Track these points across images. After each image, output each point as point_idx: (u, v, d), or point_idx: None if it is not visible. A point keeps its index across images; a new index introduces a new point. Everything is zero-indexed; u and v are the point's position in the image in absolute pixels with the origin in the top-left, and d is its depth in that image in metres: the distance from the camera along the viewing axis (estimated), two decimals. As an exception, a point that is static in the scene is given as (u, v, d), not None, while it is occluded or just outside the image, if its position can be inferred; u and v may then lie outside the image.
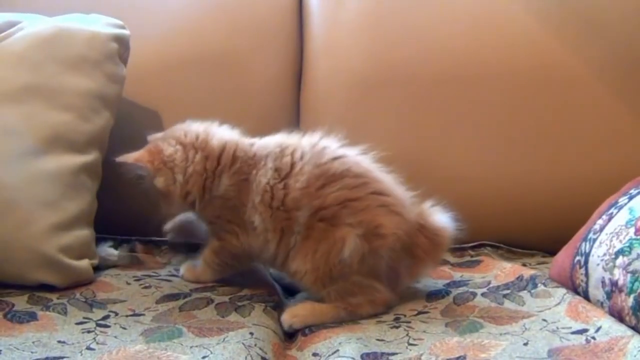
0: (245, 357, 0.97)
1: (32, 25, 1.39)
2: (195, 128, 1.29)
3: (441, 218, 1.25)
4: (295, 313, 1.17)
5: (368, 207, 1.17)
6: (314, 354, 1.03)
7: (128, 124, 1.54)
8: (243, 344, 1.01)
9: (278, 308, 1.22)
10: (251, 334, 1.06)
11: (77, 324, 1.12)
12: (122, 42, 1.46)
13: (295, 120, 1.65)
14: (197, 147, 1.26)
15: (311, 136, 1.25)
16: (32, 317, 1.13)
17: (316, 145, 1.22)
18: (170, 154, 1.25)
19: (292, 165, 1.20)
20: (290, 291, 1.34)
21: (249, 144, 1.27)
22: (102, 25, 1.45)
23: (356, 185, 1.18)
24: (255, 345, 1.02)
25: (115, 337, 1.07)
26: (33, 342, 1.03)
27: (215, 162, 1.25)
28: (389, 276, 1.19)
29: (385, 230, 1.16)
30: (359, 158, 1.23)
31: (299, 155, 1.21)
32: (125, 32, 1.48)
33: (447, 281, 1.33)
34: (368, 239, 1.15)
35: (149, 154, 1.27)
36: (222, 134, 1.29)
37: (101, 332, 1.09)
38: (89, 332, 1.09)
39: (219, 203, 1.25)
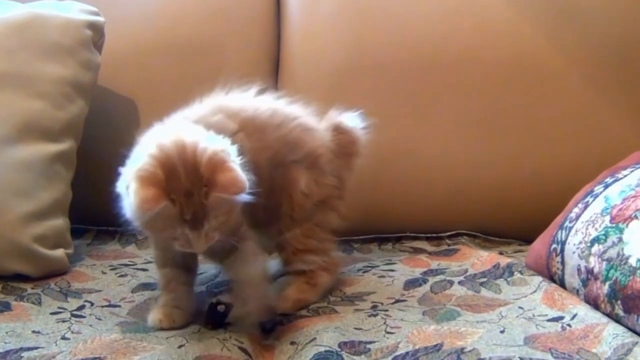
0: (222, 348, 0.97)
1: (5, 11, 1.37)
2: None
3: (345, 116, 1.30)
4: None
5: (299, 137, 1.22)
6: (292, 343, 1.03)
7: (103, 112, 1.53)
8: (217, 338, 1.01)
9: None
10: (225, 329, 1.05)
11: (52, 314, 1.11)
12: (97, 29, 1.45)
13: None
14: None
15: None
16: (6, 307, 1.12)
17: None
18: None
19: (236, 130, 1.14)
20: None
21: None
22: (76, 11, 1.43)
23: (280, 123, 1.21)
24: (230, 337, 1.01)
25: (91, 325, 1.06)
26: (7, 333, 1.02)
27: None
28: (340, 185, 1.27)
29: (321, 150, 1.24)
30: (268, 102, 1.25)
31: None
32: (100, 18, 1.47)
33: (424, 270, 1.34)
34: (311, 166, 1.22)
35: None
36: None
37: (76, 321, 1.08)
38: (63, 321, 1.08)
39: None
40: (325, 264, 1.24)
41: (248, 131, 1.15)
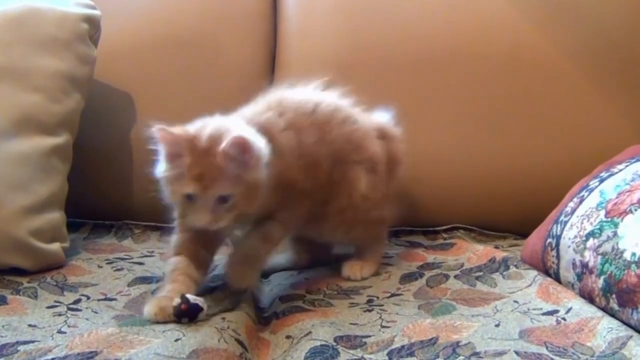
0: (219, 340, 0.97)
1: (1, 5, 1.37)
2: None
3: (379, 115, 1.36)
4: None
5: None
6: (287, 337, 1.03)
7: (99, 105, 1.52)
8: (216, 327, 1.01)
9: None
10: (223, 318, 1.05)
11: (48, 307, 1.11)
12: (93, 23, 1.44)
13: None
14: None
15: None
16: (2, 300, 1.12)
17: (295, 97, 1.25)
18: None
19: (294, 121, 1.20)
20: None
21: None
22: (72, 5, 1.43)
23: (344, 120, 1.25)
24: (229, 327, 1.01)
25: (87, 319, 1.06)
26: (3, 326, 1.02)
27: None
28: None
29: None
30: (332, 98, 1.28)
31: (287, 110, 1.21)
32: (96, 12, 1.46)
33: (421, 264, 1.34)
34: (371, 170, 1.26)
35: None
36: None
37: (72, 315, 1.08)
38: (59, 315, 1.08)
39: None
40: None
41: (305, 126, 1.19)
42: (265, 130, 1.13)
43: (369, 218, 1.28)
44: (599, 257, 1.07)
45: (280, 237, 1.21)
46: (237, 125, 1.11)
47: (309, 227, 1.27)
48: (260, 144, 1.08)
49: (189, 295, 1.04)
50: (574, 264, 1.13)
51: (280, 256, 1.36)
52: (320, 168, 1.20)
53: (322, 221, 1.26)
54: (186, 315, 1.02)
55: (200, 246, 1.15)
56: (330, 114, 1.24)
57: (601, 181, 1.21)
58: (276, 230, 1.18)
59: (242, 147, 1.04)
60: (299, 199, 1.19)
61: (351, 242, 1.34)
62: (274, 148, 1.11)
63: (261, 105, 1.22)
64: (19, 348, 0.95)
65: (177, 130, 1.07)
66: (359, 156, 1.26)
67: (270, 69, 1.66)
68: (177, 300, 1.03)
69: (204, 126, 1.09)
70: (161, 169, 1.10)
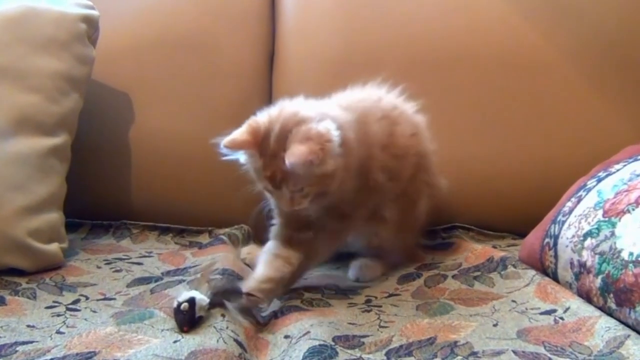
0: (217, 340, 0.97)
1: (-1, 5, 1.37)
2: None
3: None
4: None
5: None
6: (286, 336, 1.03)
7: (97, 106, 1.52)
8: (214, 327, 1.01)
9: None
10: (223, 316, 1.05)
11: (47, 308, 1.11)
12: (91, 23, 1.44)
13: (267, 102, 1.64)
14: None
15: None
16: (1, 301, 1.12)
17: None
18: None
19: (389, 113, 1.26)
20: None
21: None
22: (70, 5, 1.43)
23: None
24: (227, 328, 1.01)
25: (86, 319, 1.06)
26: (1, 327, 1.02)
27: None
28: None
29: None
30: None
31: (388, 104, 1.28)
32: (95, 12, 1.46)
33: (419, 264, 1.34)
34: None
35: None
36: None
37: (71, 315, 1.08)
38: (58, 315, 1.08)
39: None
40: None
41: (400, 120, 1.27)
42: (361, 117, 1.19)
43: (417, 226, 1.36)
44: (597, 256, 1.08)
45: (324, 254, 1.26)
46: (309, 120, 1.11)
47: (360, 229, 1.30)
48: (330, 137, 1.09)
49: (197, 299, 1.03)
50: (571, 264, 1.14)
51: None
52: (405, 165, 1.26)
53: (376, 224, 1.30)
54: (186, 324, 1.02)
55: (293, 229, 1.20)
56: (417, 125, 1.31)
57: (599, 181, 1.21)
58: (320, 248, 1.23)
59: (301, 163, 1.06)
60: (369, 194, 1.23)
61: (381, 248, 1.34)
62: (363, 136, 1.17)
63: (359, 94, 1.28)
64: (17, 348, 0.95)
65: (244, 133, 1.11)
66: (427, 177, 1.33)
67: (268, 69, 1.66)
68: (184, 306, 1.02)
69: (277, 119, 1.12)
70: (245, 165, 1.17)
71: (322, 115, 1.12)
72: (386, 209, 1.28)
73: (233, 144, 1.11)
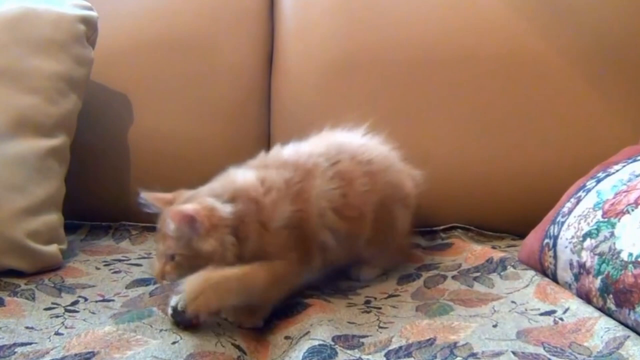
0: (215, 344, 0.97)
1: (-3, 6, 1.37)
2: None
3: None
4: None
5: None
6: (286, 337, 1.03)
7: (96, 107, 1.52)
8: (213, 331, 1.01)
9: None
10: (219, 323, 1.05)
11: (46, 309, 1.11)
12: (90, 24, 1.44)
13: (266, 103, 1.64)
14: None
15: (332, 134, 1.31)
16: (-1, 302, 1.12)
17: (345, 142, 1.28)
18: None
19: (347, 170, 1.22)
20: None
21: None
22: (69, 6, 1.43)
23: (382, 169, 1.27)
24: (225, 333, 1.01)
25: (84, 320, 1.06)
26: (0, 328, 1.02)
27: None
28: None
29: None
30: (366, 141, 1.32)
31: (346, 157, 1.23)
32: (93, 13, 1.46)
33: (418, 265, 1.34)
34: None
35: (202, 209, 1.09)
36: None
37: (70, 316, 1.08)
38: (57, 317, 1.08)
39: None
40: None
41: (356, 175, 1.22)
42: (302, 174, 1.16)
43: (400, 244, 1.36)
44: (596, 257, 1.08)
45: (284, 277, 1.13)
46: (200, 196, 1.12)
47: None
48: (221, 213, 1.07)
49: None
50: (571, 265, 1.14)
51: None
52: (364, 219, 1.23)
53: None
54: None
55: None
56: (382, 162, 1.28)
57: (598, 181, 1.21)
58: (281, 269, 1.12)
59: (181, 218, 1.05)
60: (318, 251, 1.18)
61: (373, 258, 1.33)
62: (296, 192, 1.14)
63: (316, 147, 1.24)
64: (16, 350, 0.95)
65: (160, 196, 1.14)
66: (399, 195, 1.31)
67: (267, 69, 1.66)
68: (182, 305, 1.01)
69: (184, 192, 1.14)
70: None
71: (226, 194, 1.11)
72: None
73: (152, 198, 1.13)
